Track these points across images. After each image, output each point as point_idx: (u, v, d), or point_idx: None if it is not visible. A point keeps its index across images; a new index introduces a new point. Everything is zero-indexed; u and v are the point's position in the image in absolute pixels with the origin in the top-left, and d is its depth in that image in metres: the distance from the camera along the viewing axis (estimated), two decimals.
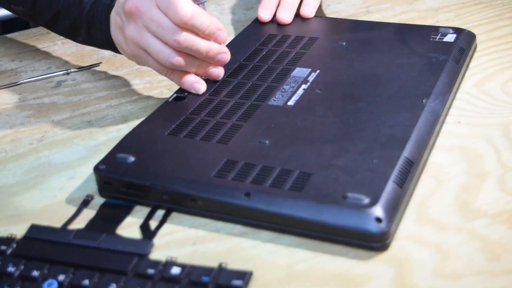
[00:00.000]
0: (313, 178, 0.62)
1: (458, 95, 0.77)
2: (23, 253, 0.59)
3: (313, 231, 0.59)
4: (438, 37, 0.85)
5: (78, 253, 0.59)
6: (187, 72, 0.77)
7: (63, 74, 0.88)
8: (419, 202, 0.62)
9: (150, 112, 0.78)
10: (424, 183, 0.65)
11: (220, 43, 0.76)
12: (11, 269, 0.57)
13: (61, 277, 0.56)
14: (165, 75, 0.77)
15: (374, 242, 0.58)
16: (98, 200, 0.66)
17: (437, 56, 0.80)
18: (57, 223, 0.63)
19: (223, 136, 0.70)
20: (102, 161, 0.67)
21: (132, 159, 0.66)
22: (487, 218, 0.60)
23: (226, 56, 0.77)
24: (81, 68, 0.89)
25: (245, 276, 0.54)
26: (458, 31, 0.85)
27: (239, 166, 0.65)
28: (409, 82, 0.76)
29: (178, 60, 0.74)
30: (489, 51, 0.84)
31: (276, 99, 0.76)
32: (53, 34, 0.97)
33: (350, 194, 0.59)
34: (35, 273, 0.57)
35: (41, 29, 1.00)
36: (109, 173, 0.65)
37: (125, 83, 0.85)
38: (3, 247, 0.60)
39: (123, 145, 0.69)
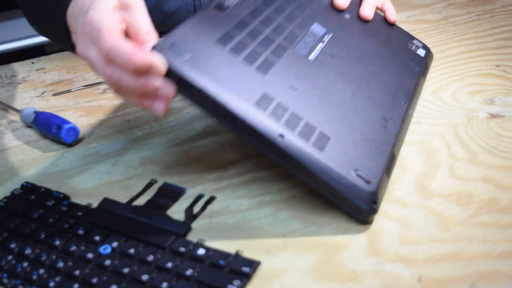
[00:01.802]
0: (331, 142, 0.58)
1: (419, 101, 0.76)
2: (92, 220, 0.59)
3: (321, 189, 0.58)
4: (413, 47, 0.82)
5: (133, 226, 0.58)
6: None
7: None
8: (388, 185, 0.62)
9: (176, 113, 0.78)
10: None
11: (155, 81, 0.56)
12: (80, 231, 0.58)
13: (115, 244, 0.56)
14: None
15: (364, 217, 0.57)
16: (159, 183, 0.65)
17: (413, 66, 0.77)
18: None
19: (261, 65, 0.61)
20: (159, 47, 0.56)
21: (187, 56, 0.57)
22: (440, 198, 0.60)
23: (169, 89, 0.56)
24: None
25: (253, 264, 0.53)
26: (426, 48, 0.84)
27: (274, 103, 0.58)
28: (394, 83, 0.71)
29: (118, 92, 0.58)
30: (442, 67, 0.84)
31: (300, 48, 0.66)
32: None
33: (359, 172, 0.58)
34: (97, 237, 0.57)
35: None
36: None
37: None
38: (79, 213, 0.60)
39: (179, 36, 0.59)
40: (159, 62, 0.55)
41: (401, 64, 0.76)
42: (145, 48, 0.56)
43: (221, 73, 0.58)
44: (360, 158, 0.59)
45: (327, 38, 0.70)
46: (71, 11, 0.63)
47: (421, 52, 0.82)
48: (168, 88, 0.56)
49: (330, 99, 0.63)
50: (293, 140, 0.57)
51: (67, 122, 0.73)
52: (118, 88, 0.58)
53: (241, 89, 0.58)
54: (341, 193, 0.57)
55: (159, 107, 0.57)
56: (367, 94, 0.67)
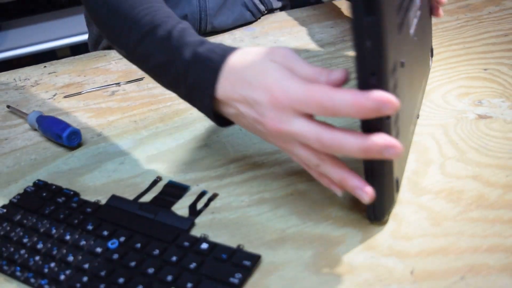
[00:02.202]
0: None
1: None
2: (101, 216, 0.59)
3: None
4: None
5: (139, 222, 0.58)
6: None
7: (115, 86, 0.88)
8: None
9: (180, 114, 0.78)
10: None
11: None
12: (89, 227, 0.58)
13: (122, 239, 0.56)
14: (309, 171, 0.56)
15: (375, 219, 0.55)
16: (164, 181, 0.65)
17: None
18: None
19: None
20: None
21: None
22: (431, 194, 0.60)
23: (370, 193, 0.51)
24: (129, 81, 0.89)
25: (254, 258, 0.53)
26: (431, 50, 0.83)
27: None
28: None
29: (322, 166, 0.53)
30: (432, 70, 0.84)
31: (411, 25, 0.58)
32: (108, 56, 0.97)
33: None
34: (105, 232, 0.57)
35: (100, 52, 0.99)
36: None
37: (161, 92, 0.84)
38: (89, 209, 0.60)
39: None
40: (390, 97, 0.46)
41: None
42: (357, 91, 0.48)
43: None
44: None
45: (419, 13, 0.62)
46: (227, 89, 0.54)
47: None
48: (399, 148, 0.48)
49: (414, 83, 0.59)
50: None
51: (66, 127, 0.72)
52: (326, 169, 0.52)
53: None
54: None
55: (364, 195, 0.51)
56: None
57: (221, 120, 0.59)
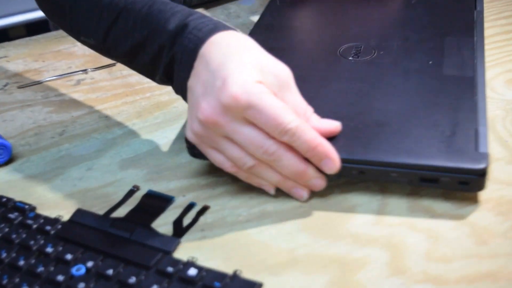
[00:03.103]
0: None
1: None
2: (64, 235, 0.59)
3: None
4: None
5: (111, 242, 0.58)
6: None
7: (82, 73, 0.88)
8: (412, 191, 0.61)
9: (162, 108, 0.78)
10: None
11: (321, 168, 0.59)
12: (49, 249, 0.57)
13: (90, 264, 0.55)
14: (232, 173, 0.62)
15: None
16: (143, 191, 0.65)
17: None
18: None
19: None
20: None
21: None
22: (474, 205, 0.59)
23: (321, 182, 0.61)
24: (98, 68, 0.88)
25: (254, 286, 0.52)
26: None
27: None
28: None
29: (257, 168, 0.60)
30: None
31: None
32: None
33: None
34: (69, 256, 0.56)
35: (62, 32, 0.99)
36: None
37: (139, 81, 0.84)
38: (48, 228, 0.59)
39: None
40: (336, 157, 0.59)
41: None
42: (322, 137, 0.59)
43: None
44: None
45: None
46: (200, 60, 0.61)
47: None
48: (322, 181, 0.61)
49: None
50: None
51: None
52: (257, 169, 0.60)
53: None
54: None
55: (302, 192, 0.61)
56: None
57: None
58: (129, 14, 0.67)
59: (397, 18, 0.85)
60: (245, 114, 0.57)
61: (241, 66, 0.58)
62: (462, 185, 0.58)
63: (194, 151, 0.63)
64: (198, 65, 0.61)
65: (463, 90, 0.67)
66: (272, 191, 0.62)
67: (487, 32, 0.87)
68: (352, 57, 0.75)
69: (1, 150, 0.70)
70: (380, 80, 0.71)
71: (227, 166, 0.61)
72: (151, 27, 0.65)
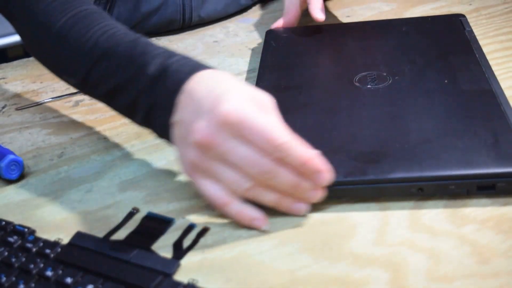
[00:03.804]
0: None
1: None
2: (63, 258, 0.59)
3: None
4: None
5: (111, 264, 0.58)
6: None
7: (80, 94, 0.88)
8: (412, 209, 0.62)
9: None
10: None
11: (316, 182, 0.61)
12: (48, 273, 0.57)
13: (90, 287, 0.55)
14: (221, 208, 0.62)
15: None
16: (142, 213, 0.65)
17: None
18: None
19: None
20: None
21: None
22: (476, 224, 0.59)
23: (318, 194, 0.61)
24: None
25: None
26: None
27: None
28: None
29: (254, 190, 0.61)
30: None
31: None
32: None
33: None
34: (68, 279, 0.56)
35: None
36: None
37: None
38: (47, 251, 0.60)
39: None
40: (327, 169, 0.60)
41: None
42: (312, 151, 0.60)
43: None
44: None
45: None
46: (185, 97, 0.63)
47: None
48: (319, 192, 0.61)
49: None
50: None
51: (4, 155, 0.71)
52: (254, 190, 0.61)
53: None
54: None
55: (301, 207, 0.62)
56: None
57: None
58: (111, 56, 0.69)
59: (395, 45, 0.86)
60: (239, 131, 0.58)
61: (230, 90, 0.60)
62: None
63: None
64: (183, 100, 0.62)
65: (486, 101, 0.70)
66: (263, 226, 0.62)
67: (487, 48, 0.88)
68: (370, 85, 0.77)
69: (13, 166, 0.71)
70: (405, 102, 0.73)
71: (219, 196, 0.61)
72: (131, 70, 0.67)
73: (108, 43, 0.69)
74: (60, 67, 0.76)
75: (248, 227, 0.62)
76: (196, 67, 0.64)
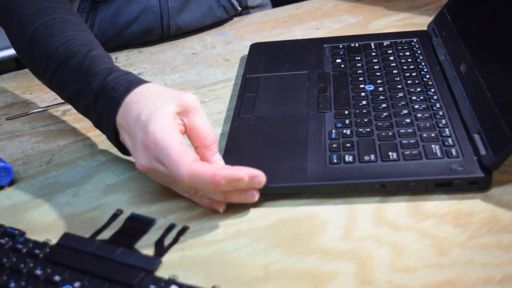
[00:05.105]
0: None
1: None
2: (52, 258, 0.59)
3: None
4: None
5: (97, 263, 0.58)
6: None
7: (67, 104, 0.88)
8: (377, 207, 0.62)
9: None
10: None
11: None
12: (38, 272, 0.57)
13: (77, 284, 0.56)
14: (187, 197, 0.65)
15: None
16: (126, 214, 0.65)
17: None
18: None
19: None
20: None
21: None
22: (435, 219, 0.60)
23: (254, 195, 0.62)
24: None
25: None
26: None
27: None
28: None
29: (201, 192, 0.63)
30: None
31: None
32: None
33: None
34: (57, 277, 0.56)
35: None
36: None
37: None
38: (37, 251, 0.60)
39: None
40: (242, 175, 0.60)
41: None
42: (218, 163, 0.64)
43: None
44: None
45: None
46: (122, 118, 0.65)
47: None
48: (253, 194, 0.63)
49: None
50: None
51: None
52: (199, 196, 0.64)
53: None
54: None
55: (253, 193, 0.62)
56: None
57: (125, 149, 0.69)
58: (65, 69, 0.72)
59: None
60: (159, 159, 0.61)
61: (153, 114, 0.62)
62: None
63: None
64: (120, 122, 0.65)
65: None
66: (221, 209, 0.64)
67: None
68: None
69: (4, 172, 0.71)
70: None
71: (180, 191, 0.65)
72: (80, 84, 0.70)
73: (64, 55, 0.72)
74: (32, 69, 0.79)
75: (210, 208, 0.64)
76: (131, 84, 0.66)
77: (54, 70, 0.73)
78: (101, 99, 0.68)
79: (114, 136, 0.68)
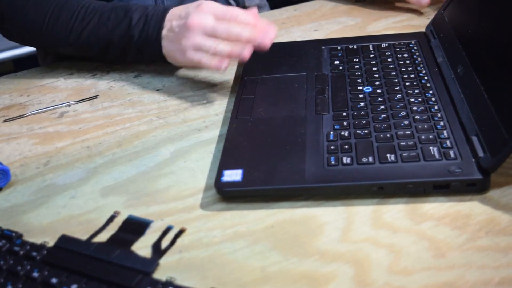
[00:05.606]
0: None
1: None
2: (49, 260, 0.59)
3: None
4: None
5: (94, 265, 0.58)
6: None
7: (65, 106, 0.88)
8: (375, 209, 0.62)
9: (141, 137, 0.78)
10: None
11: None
12: (35, 274, 0.57)
13: (74, 286, 0.56)
14: (207, 64, 0.81)
15: None
16: (123, 216, 0.65)
17: None
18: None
19: None
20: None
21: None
22: (433, 221, 0.60)
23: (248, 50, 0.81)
24: (80, 100, 0.89)
25: None
26: None
27: None
28: None
29: (219, 45, 0.80)
30: None
31: None
32: (56, 71, 0.97)
33: None
34: (54, 280, 0.56)
35: (46, 67, 0.99)
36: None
37: (119, 112, 0.85)
38: (34, 253, 0.60)
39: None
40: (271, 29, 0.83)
41: None
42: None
43: None
44: None
45: None
46: (171, 13, 0.86)
47: None
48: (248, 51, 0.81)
49: None
50: None
51: None
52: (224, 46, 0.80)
53: None
54: None
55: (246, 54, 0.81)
56: None
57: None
58: (95, 12, 0.90)
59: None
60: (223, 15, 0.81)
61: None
62: None
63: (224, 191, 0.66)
64: (168, 17, 0.85)
65: None
66: (223, 65, 0.80)
67: None
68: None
69: (1, 175, 0.71)
70: None
71: (201, 57, 0.81)
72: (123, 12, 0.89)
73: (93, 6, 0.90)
74: (56, 39, 0.92)
75: (218, 68, 0.80)
76: (167, 6, 0.88)
77: (87, 23, 0.89)
78: (150, 12, 0.87)
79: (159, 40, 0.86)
